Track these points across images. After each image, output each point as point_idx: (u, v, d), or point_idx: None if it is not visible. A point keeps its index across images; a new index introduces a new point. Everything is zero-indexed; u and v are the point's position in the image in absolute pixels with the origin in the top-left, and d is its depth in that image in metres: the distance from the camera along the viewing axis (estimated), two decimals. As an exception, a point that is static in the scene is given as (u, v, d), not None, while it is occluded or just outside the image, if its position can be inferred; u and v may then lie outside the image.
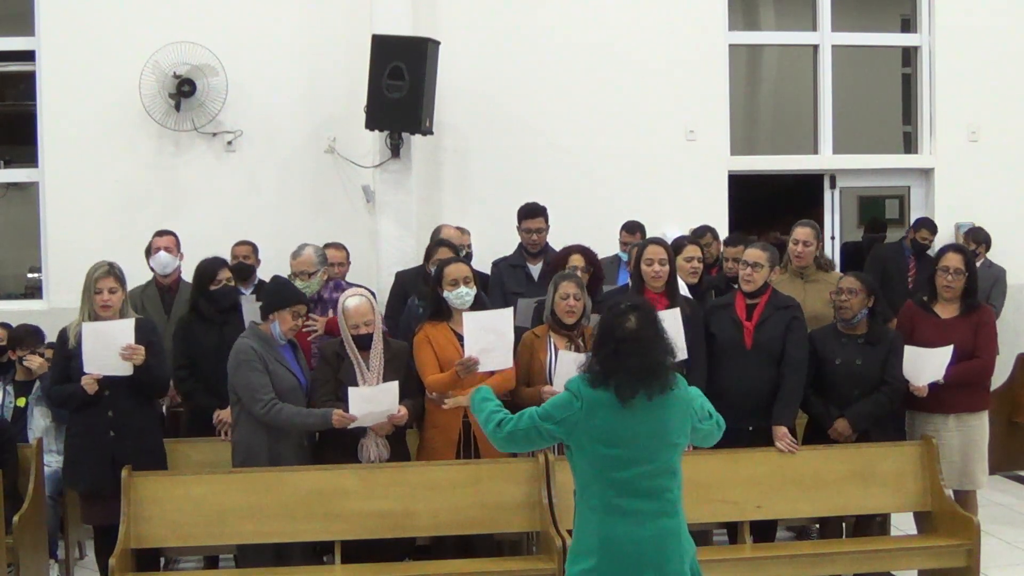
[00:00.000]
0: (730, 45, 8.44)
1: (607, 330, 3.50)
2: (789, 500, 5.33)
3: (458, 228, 6.87)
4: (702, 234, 7.01)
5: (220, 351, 5.32)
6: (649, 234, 6.79)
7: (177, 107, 7.60)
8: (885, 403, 5.42)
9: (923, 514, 5.42)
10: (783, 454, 5.30)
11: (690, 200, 8.15)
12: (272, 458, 5.01)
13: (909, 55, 9.00)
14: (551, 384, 5.04)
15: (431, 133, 7.48)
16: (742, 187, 8.46)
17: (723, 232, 7.64)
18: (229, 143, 7.80)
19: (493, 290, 6.33)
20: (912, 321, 5.70)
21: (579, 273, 5.62)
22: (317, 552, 5.24)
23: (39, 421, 5.93)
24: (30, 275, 8.94)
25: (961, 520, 5.17)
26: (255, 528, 4.97)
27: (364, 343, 5.07)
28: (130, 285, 6.11)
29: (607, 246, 6.88)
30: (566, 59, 8.06)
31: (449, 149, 7.98)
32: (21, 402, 6.02)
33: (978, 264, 7.31)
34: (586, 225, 7.08)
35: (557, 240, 6.63)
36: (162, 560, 5.60)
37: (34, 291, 8.57)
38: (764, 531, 5.49)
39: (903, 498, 5.40)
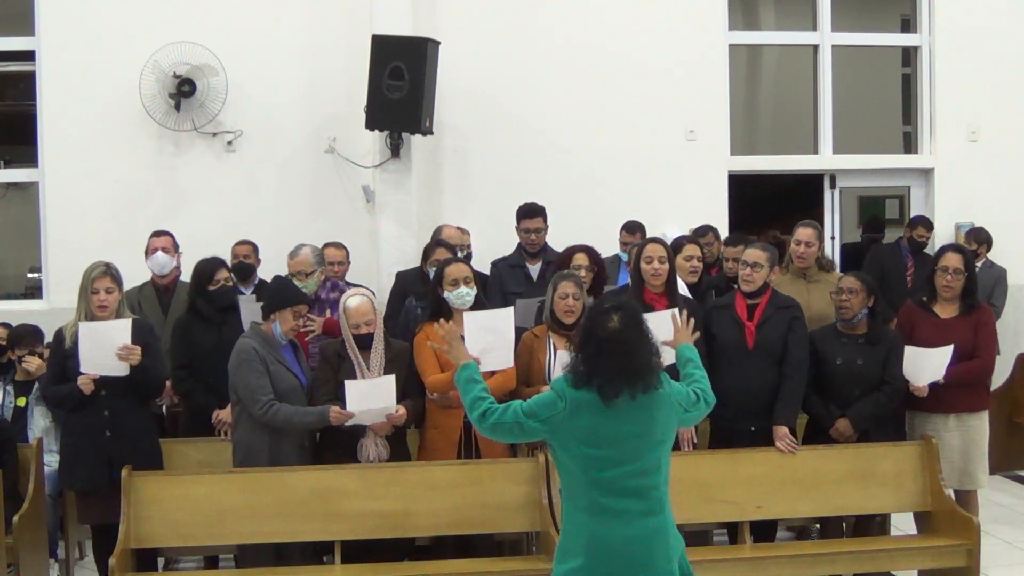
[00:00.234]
0: (730, 45, 8.44)
1: (590, 330, 3.49)
2: (789, 500, 5.33)
3: (458, 228, 6.88)
4: (703, 233, 7.01)
5: (218, 351, 5.32)
6: (649, 234, 6.79)
7: (177, 107, 7.60)
8: (885, 403, 5.42)
9: (923, 514, 5.42)
10: (783, 454, 5.29)
11: (690, 200, 8.15)
12: (273, 458, 5.01)
13: (909, 55, 9.01)
14: (550, 384, 5.04)
15: (431, 133, 7.48)
16: (742, 187, 8.46)
17: (723, 232, 7.63)
18: (229, 143, 7.80)
19: (492, 290, 6.33)
20: (912, 321, 5.69)
21: (583, 272, 5.63)
22: (317, 552, 5.23)
23: (39, 421, 5.93)
24: (30, 275, 8.95)
25: (961, 520, 5.17)
26: (255, 528, 4.97)
27: (365, 343, 5.07)
28: (130, 285, 6.14)
29: (607, 246, 6.88)
30: (566, 59, 8.06)
31: (449, 149, 7.98)
32: (21, 402, 6.01)
33: (979, 264, 7.33)
34: (586, 225, 7.08)
35: (557, 240, 6.63)
36: (162, 560, 5.61)
37: (34, 291, 8.58)
38: (764, 531, 5.48)
39: (903, 498, 5.39)
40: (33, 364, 6.00)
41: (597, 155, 8.08)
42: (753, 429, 5.35)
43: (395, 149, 7.54)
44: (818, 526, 5.91)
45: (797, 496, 5.32)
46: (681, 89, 8.20)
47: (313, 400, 5.05)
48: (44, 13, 7.72)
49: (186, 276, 6.10)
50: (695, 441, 5.40)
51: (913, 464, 5.39)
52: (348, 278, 6.62)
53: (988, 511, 6.28)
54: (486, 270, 6.61)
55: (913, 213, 8.63)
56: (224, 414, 5.43)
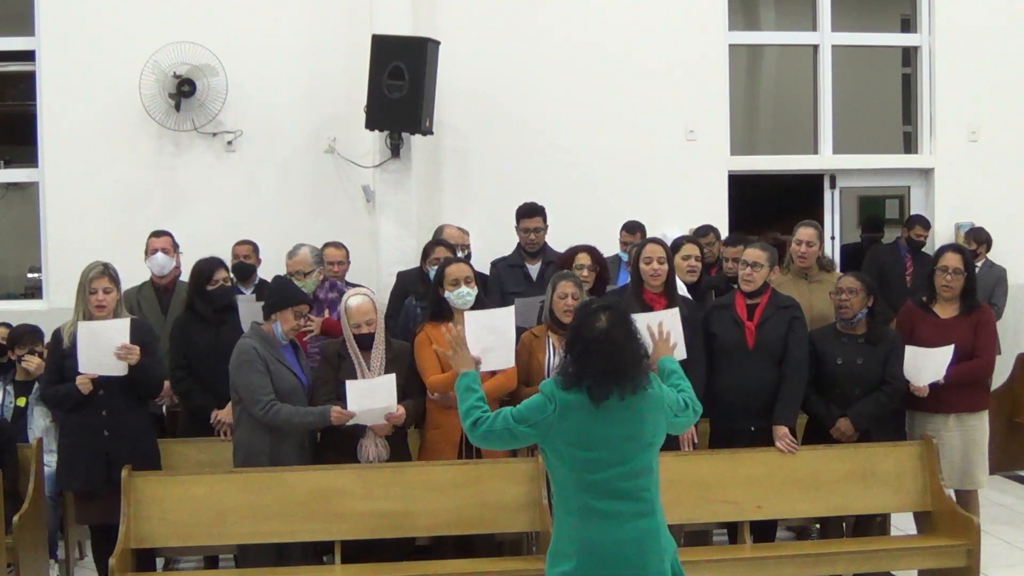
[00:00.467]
0: (730, 45, 8.44)
1: (578, 330, 3.49)
2: (789, 500, 5.33)
3: (459, 228, 6.87)
4: (705, 233, 7.01)
5: (217, 351, 5.33)
6: (649, 234, 6.79)
7: (177, 107, 7.60)
8: (886, 403, 5.43)
9: (923, 514, 5.42)
10: (783, 454, 5.29)
11: (690, 200, 8.15)
12: (273, 458, 5.01)
13: (909, 55, 9.01)
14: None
15: (431, 133, 7.48)
16: (742, 187, 8.46)
17: (723, 232, 7.63)
18: (229, 143, 7.80)
19: (491, 290, 6.33)
20: (912, 321, 5.69)
21: (585, 272, 5.63)
22: (317, 552, 5.23)
23: (39, 421, 5.93)
24: (30, 275, 8.95)
25: (961, 520, 5.17)
26: (255, 528, 4.97)
27: (366, 343, 5.07)
28: (130, 285, 6.14)
29: (607, 246, 6.86)
30: (566, 59, 8.06)
31: (449, 149, 7.98)
32: (21, 402, 6.01)
33: (979, 264, 7.33)
34: (586, 225, 7.09)
35: (557, 240, 6.64)
36: (161, 560, 5.61)
37: (34, 291, 8.58)
38: (764, 531, 5.48)
39: (903, 498, 5.39)
40: (32, 363, 6.00)
41: (597, 155, 8.08)
42: (753, 429, 5.35)
43: (395, 149, 7.54)
44: (818, 526, 5.91)
45: (797, 496, 5.32)
46: (681, 89, 8.20)
47: (313, 400, 5.05)
48: (44, 13, 7.72)
49: (186, 276, 6.11)
50: (695, 441, 5.40)
51: (913, 464, 5.39)
52: (348, 278, 6.62)
53: (988, 511, 6.28)
54: (486, 270, 6.61)
55: (913, 213, 8.64)
56: (223, 414, 5.43)
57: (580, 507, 3.44)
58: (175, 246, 6.40)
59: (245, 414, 5.00)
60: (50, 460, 5.61)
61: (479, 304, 5.23)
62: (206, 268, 5.62)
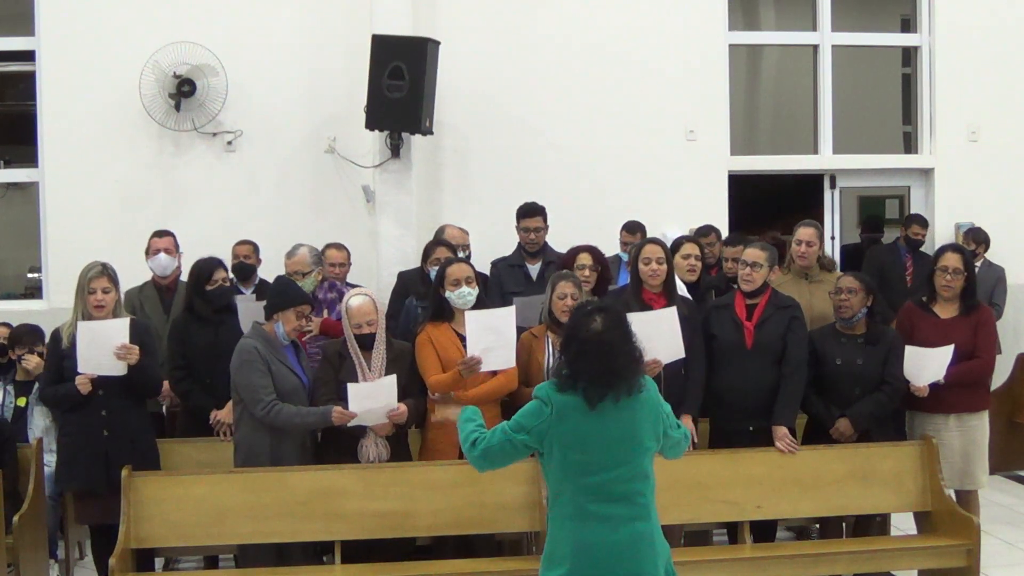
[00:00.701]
0: (730, 45, 8.44)
1: (572, 331, 3.50)
2: (789, 500, 5.33)
3: (459, 228, 6.87)
4: (707, 233, 7.01)
5: (215, 351, 5.34)
6: (649, 234, 6.79)
7: (177, 107, 7.60)
8: (886, 403, 5.42)
9: (923, 514, 5.42)
10: (783, 454, 5.29)
11: (690, 200, 8.14)
12: (274, 458, 5.01)
13: (909, 55, 9.01)
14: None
15: (431, 133, 7.48)
16: (742, 187, 8.45)
17: (723, 232, 7.63)
18: (229, 143, 7.80)
19: (492, 290, 6.33)
20: (912, 321, 5.69)
21: (587, 272, 5.63)
22: (317, 552, 5.24)
23: (39, 421, 5.93)
24: (30, 275, 8.95)
25: (961, 520, 5.17)
26: (255, 528, 4.97)
27: (366, 343, 5.06)
28: (131, 285, 6.14)
29: (607, 246, 6.85)
30: (566, 59, 8.06)
31: (449, 149, 7.98)
32: (21, 402, 6.01)
33: (978, 264, 7.32)
34: (586, 225, 7.09)
35: (557, 240, 6.64)
36: (161, 560, 5.61)
37: (34, 291, 8.58)
38: (764, 531, 5.49)
39: (903, 498, 5.40)
40: (32, 362, 6.00)
41: (597, 155, 8.08)
42: (752, 429, 5.35)
43: (395, 149, 7.54)
44: (818, 526, 5.90)
45: (797, 496, 5.32)
46: (681, 89, 8.20)
47: (314, 400, 5.05)
48: (44, 13, 7.71)
49: (185, 276, 6.11)
50: (695, 441, 5.40)
51: (913, 464, 5.39)
52: (348, 278, 6.61)
53: (988, 511, 6.27)
54: (485, 270, 6.60)
55: (912, 212, 8.64)
56: (222, 415, 5.43)
57: (575, 510, 3.44)
58: (177, 246, 6.40)
59: (246, 414, 5.00)
60: (50, 460, 5.61)
61: (480, 304, 5.23)
62: (205, 268, 5.62)
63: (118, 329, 5.04)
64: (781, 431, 5.31)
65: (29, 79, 7.93)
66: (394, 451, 5.12)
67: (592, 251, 5.84)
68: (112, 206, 7.68)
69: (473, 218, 7.54)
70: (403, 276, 6.59)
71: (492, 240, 7.12)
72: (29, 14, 7.77)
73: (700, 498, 5.23)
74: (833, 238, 8.67)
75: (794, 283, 6.01)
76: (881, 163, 8.92)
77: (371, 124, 7.31)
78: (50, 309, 7.36)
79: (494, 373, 5.09)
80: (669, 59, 8.17)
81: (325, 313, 5.97)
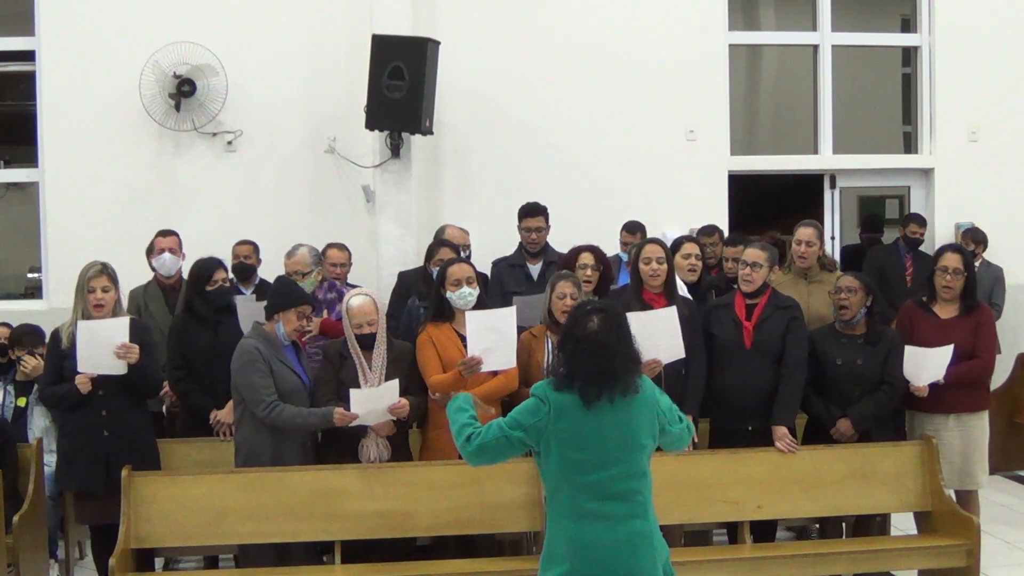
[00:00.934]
0: (730, 45, 8.44)
1: (569, 330, 3.51)
2: (789, 500, 5.33)
3: (460, 228, 6.87)
4: (710, 233, 7.02)
5: (215, 351, 5.34)
6: (650, 234, 6.79)
7: (177, 107, 7.60)
8: (886, 402, 5.43)
9: (923, 514, 5.42)
10: (783, 454, 5.29)
11: (690, 200, 8.15)
12: (275, 458, 5.01)
13: (909, 55, 9.01)
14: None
15: (431, 133, 7.48)
16: (742, 187, 8.46)
17: (724, 232, 7.63)
18: (229, 143, 7.80)
19: (492, 290, 6.33)
20: (912, 321, 5.69)
21: (588, 272, 5.63)
22: (317, 552, 5.23)
23: (39, 421, 5.92)
24: (30, 275, 8.95)
25: (961, 520, 5.17)
26: (255, 528, 4.97)
27: (367, 343, 5.06)
28: (131, 284, 6.14)
29: (607, 246, 6.84)
30: (566, 59, 8.07)
31: (449, 149, 7.98)
32: (21, 402, 6.01)
33: (976, 264, 7.32)
34: (586, 225, 7.09)
35: (558, 240, 6.63)
36: (161, 560, 5.61)
37: (34, 291, 8.58)
38: (764, 531, 5.49)
39: (903, 498, 5.39)
40: (30, 364, 6.00)
41: (597, 155, 8.08)
42: (751, 429, 5.35)
43: (395, 149, 7.54)
44: (818, 526, 5.91)
45: (797, 496, 5.32)
46: (681, 89, 8.20)
47: (314, 400, 5.05)
48: (44, 13, 7.72)
49: (185, 276, 6.11)
50: (695, 441, 5.40)
51: (913, 464, 5.39)
52: (348, 278, 6.61)
53: (988, 511, 6.27)
54: (485, 270, 6.60)
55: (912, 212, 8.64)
56: (222, 415, 5.43)
57: (573, 509, 3.44)
58: (180, 245, 6.39)
59: (247, 414, 5.00)
60: (50, 460, 5.62)
61: (480, 304, 5.23)
62: (205, 268, 5.61)
63: (118, 328, 5.04)
64: (781, 431, 5.31)
65: (29, 79, 7.94)
66: (395, 451, 5.12)
67: (594, 251, 5.83)
68: (112, 206, 7.69)
69: (473, 218, 7.54)
70: (403, 276, 6.59)
71: (492, 240, 7.12)
72: (29, 14, 7.77)
73: (700, 498, 5.23)
74: (833, 238, 8.67)
75: (794, 283, 6.01)
76: (881, 163, 8.92)
77: (371, 124, 7.31)
78: (50, 309, 7.36)
79: (495, 373, 5.09)
80: (669, 59, 8.17)
81: (325, 313, 5.97)
